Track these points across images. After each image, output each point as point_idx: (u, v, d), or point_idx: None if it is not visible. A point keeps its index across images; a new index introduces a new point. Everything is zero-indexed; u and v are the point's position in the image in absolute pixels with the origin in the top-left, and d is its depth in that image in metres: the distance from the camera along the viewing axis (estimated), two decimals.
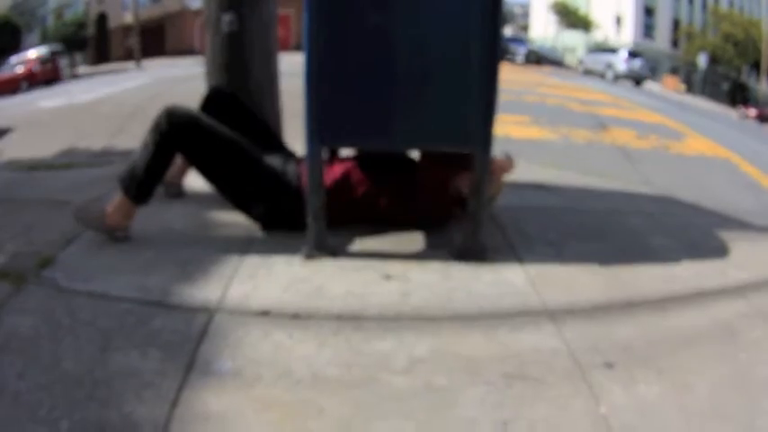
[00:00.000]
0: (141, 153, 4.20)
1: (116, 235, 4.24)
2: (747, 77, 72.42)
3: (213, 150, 4.30)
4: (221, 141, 4.28)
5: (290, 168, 4.45)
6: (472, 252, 4.17)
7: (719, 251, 5.11)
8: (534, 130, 11.87)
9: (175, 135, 4.17)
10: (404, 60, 3.76)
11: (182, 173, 5.09)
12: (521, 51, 57.03)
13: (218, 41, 5.07)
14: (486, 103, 3.80)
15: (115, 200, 4.24)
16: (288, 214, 4.31)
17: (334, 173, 4.39)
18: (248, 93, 5.21)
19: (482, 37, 3.70)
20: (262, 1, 5.13)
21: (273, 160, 4.50)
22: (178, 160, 4.67)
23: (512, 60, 52.85)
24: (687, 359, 3.31)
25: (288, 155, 4.72)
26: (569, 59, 67.24)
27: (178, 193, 5.12)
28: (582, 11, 77.50)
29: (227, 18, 4.97)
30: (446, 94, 3.82)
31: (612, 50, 58.24)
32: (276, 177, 4.36)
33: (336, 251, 4.13)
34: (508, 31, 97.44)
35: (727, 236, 5.50)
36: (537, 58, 57.73)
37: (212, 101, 4.91)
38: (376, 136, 3.96)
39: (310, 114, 3.76)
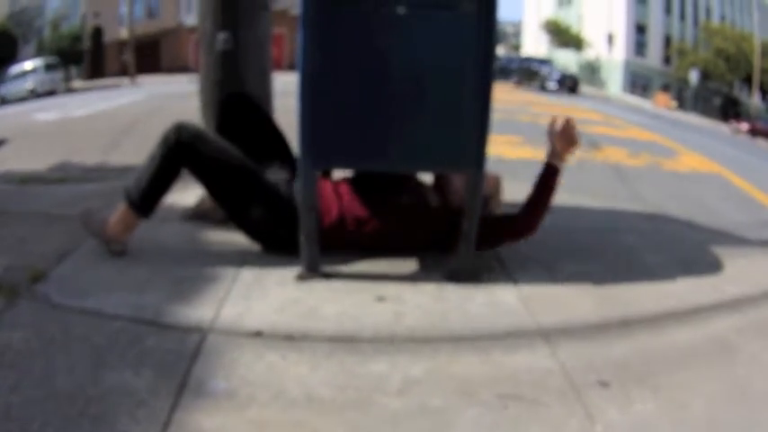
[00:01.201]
0: (148, 165, 4.21)
1: (112, 248, 4.24)
2: (739, 92, 72.73)
3: (218, 170, 4.28)
4: (227, 161, 4.26)
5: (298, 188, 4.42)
6: (465, 273, 4.18)
7: (714, 266, 5.13)
8: (527, 150, 11.94)
9: (182, 150, 4.16)
10: (397, 82, 3.77)
11: None
12: (554, 77, 51.67)
13: (213, 59, 5.07)
14: (480, 124, 3.82)
15: (118, 210, 4.26)
16: (293, 237, 4.26)
17: (340, 198, 4.38)
18: None
19: (476, 59, 3.72)
20: (256, 19, 5.13)
21: (280, 179, 4.48)
22: None
23: (544, 88, 48.08)
24: (683, 376, 3.31)
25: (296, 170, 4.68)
26: None
27: (221, 219, 4.99)
28: (574, 29, 77.78)
29: (221, 36, 4.97)
30: (440, 116, 3.84)
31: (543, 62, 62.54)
32: (281, 199, 4.33)
33: (329, 273, 4.13)
34: (501, 50, 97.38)
35: (721, 251, 5.52)
36: (573, 84, 51.76)
37: (231, 105, 4.92)
38: (370, 158, 3.96)
39: (304, 136, 3.77)
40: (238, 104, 4.92)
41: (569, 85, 50.72)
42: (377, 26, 3.69)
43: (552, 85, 49.26)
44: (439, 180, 4.76)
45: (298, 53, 3.66)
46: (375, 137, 3.86)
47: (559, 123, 4.35)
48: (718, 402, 3.09)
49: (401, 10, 3.63)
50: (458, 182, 4.55)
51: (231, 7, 4.99)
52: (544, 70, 51.84)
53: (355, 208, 4.34)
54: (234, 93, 5.00)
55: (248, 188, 4.30)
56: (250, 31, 5.10)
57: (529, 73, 53.27)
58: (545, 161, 4.41)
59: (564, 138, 4.35)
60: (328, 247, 4.24)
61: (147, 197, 4.23)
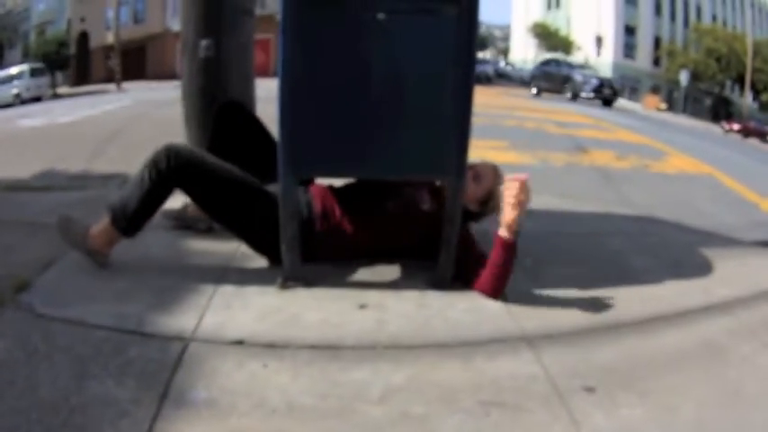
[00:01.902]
0: (135, 187, 4.12)
1: (95, 259, 4.20)
2: (731, 92, 72.93)
3: (213, 191, 4.22)
4: (221, 181, 4.19)
5: (301, 197, 4.39)
6: (448, 280, 4.17)
7: (703, 269, 5.12)
8: (512, 155, 11.95)
9: (174, 175, 4.08)
10: (378, 88, 3.75)
11: None
12: (591, 84, 39.79)
13: (195, 66, 5.07)
14: (460, 131, 3.81)
15: (102, 224, 4.18)
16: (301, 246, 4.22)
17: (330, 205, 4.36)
18: None
19: (457, 64, 3.70)
20: (239, 25, 5.14)
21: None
22: None
23: (575, 97, 39.30)
24: (672, 380, 3.31)
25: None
26: None
27: (209, 228, 4.99)
28: (563, 32, 77.95)
29: (204, 43, 4.97)
30: (420, 122, 3.83)
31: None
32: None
33: (311, 281, 4.11)
34: (486, 54, 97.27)
35: (710, 253, 5.53)
36: (611, 94, 40.48)
37: (225, 115, 4.85)
38: (350, 166, 3.95)
39: (283, 143, 3.75)
40: (232, 114, 4.86)
41: (607, 95, 40.12)
42: (357, 32, 3.68)
43: (587, 93, 39.40)
44: (433, 184, 4.67)
45: (278, 60, 3.64)
46: (355, 144, 3.84)
47: (509, 186, 3.99)
48: (709, 406, 3.09)
49: (382, 15, 3.61)
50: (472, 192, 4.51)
51: (213, 14, 5.00)
52: (577, 76, 41.01)
53: (344, 215, 4.33)
54: (228, 102, 4.95)
55: (246, 204, 4.24)
56: (233, 38, 5.11)
57: (555, 79, 43.12)
58: (496, 233, 4.08)
59: (511, 204, 3.97)
60: (317, 256, 4.26)
61: (133, 219, 4.16)
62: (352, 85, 3.74)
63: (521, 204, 3.89)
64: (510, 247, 4.01)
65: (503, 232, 3.98)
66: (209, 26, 5.01)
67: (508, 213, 3.91)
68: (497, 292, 4.12)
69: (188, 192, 4.27)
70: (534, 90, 44.85)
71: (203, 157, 4.24)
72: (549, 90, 43.63)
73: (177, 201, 4.61)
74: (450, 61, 3.70)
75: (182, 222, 4.97)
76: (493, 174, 4.64)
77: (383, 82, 3.74)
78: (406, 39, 3.70)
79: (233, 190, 4.21)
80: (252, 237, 4.35)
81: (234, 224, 4.30)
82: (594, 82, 40.41)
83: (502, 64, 76.43)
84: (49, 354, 3.11)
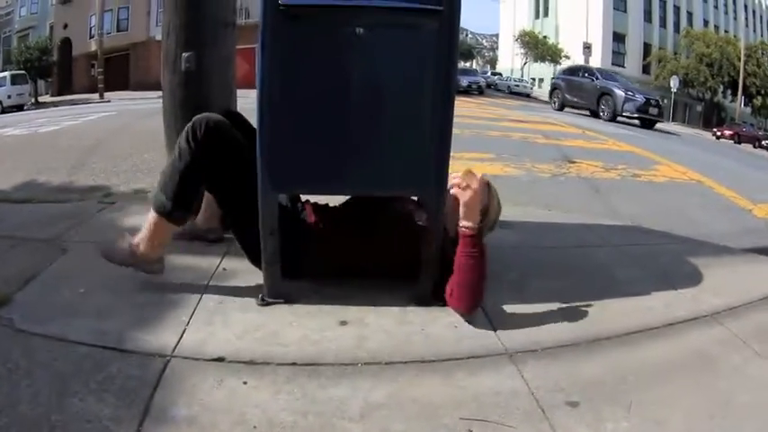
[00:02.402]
0: (173, 162, 4.07)
1: (149, 269, 4.19)
2: (723, 97, 73.25)
3: (237, 170, 4.10)
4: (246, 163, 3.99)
5: (297, 207, 4.41)
6: (430, 295, 4.16)
7: (692, 278, 5.12)
8: (498, 167, 11.87)
9: (212, 139, 4.01)
10: (358, 104, 3.74)
11: (214, 216, 4.86)
12: (636, 99, 31.81)
13: (177, 79, 5.08)
14: (440, 145, 3.81)
15: (145, 228, 4.14)
16: (296, 259, 4.22)
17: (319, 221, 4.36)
18: None
19: (436, 78, 3.70)
20: (220, 37, 5.15)
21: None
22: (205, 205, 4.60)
23: (615, 118, 31.72)
24: (660, 392, 3.30)
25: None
26: (537, 91, 67.85)
27: (219, 238, 5.01)
28: (551, 40, 78.19)
29: (185, 56, 4.97)
30: (399, 137, 3.83)
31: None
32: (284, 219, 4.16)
33: (292, 297, 4.11)
34: (471, 65, 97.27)
35: (700, 261, 5.53)
36: (657, 113, 32.77)
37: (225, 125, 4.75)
38: (330, 181, 3.93)
39: (263, 158, 3.74)
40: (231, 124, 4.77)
41: (653, 114, 32.68)
42: (337, 46, 3.67)
43: (630, 112, 31.62)
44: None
45: (257, 75, 3.63)
46: (335, 159, 3.83)
47: (458, 181, 3.89)
48: (698, 417, 3.09)
49: (361, 30, 3.61)
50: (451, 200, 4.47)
51: (194, 27, 5.01)
52: (618, 90, 32.10)
53: (339, 232, 4.32)
54: (226, 111, 4.82)
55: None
56: (214, 51, 5.13)
57: (586, 93, 34.75)
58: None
59: (466, 198, 3.88)
60: (311, 273, 4.29)
61: (180, 199, 4.05)
62: (332, 99, 3.74)
63: (471, 196, 3.84)
64: (470, 242, 3.92)
65: (461, 223, 3.93)
66: (190, 39, 5.02)
67: (463, 207, 3.87)
68: (467, 304, 4.01)
69: (209, 175, 4.14)
70: (555, 104, 38.51)
71: (233, 131, 4.17)
72: (576, 106, 36.61)
73: None
74: (430, 74, 3.70)
75: (191, 234, 4.92)
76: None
77: (363, 96, 3.74)
78: (386, 52, 3.71)
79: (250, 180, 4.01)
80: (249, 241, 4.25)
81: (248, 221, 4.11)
82: (640, 99, 32.27)
83: (489, 73, 76.34)
84: (30, 370, 3.11)
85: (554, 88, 40.33)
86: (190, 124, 4.06)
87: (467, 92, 53.15)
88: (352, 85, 3.72)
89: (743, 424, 3.06)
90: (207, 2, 5.04)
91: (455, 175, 3.88)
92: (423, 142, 3.80)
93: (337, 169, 3.86)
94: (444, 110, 3.77)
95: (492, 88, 64.76)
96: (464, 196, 3.84)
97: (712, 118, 69.75)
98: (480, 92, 57.69)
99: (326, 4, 3.60)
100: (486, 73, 78.94)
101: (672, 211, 9.65)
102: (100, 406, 2.86)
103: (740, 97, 69.00)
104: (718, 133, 49.86)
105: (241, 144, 4.14)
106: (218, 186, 4.26)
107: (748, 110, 73.33)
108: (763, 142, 47.20)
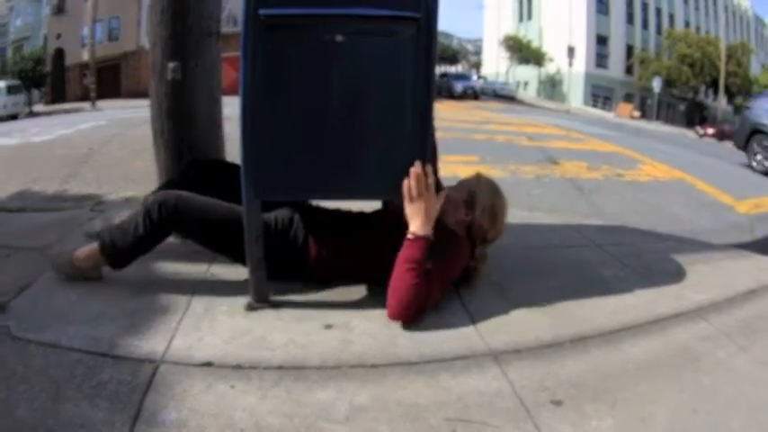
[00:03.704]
0: (129, 228, 4.20)
1: (87, 275, 4.32)
2: (705, 96, 73.27)
3: (209, 229, 4.27)
4: (215, 219, 4.23)
5: (295, 221, 4.43)
6: None
7: (676, 275, 5.15)
8: (482, 170, 11.75)
9: (166, 225, 4.17)
10: (338, 111, 3.76)
11: None
12: None
13: (163, 88, 5.11)
14: (420, 150, 3.82)
15: (89, 249, 4.30)
16: (294, 265, 4.34)
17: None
18: (193, 140, 5.29)
19: (415, 84, 3.72)
20: (206, 47, 5.17)
21: (280, 214, 4.44)
22: None
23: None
24: (643, 389, 3.33)
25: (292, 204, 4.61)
26: (521, 94, 67.82)
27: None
28: (535, 44, 78.00)
29: (171, 66, 5.01)
30: (381, 144, 3.83)
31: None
32: (274, 235, 4.28)
33: (279, 301, 4.15)
34: (456, 69, 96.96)
35: (683, 259, 5.55)
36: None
37: (191, 170, 4.88)
38: (312, 188, 3.95)
39: (245, 165, 3.77)
40: (198, 174, 4.84)
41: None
42: (317, 54, 3.69)
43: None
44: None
45: (239, 82, 3.65)
46: (317, 166, 3.84)
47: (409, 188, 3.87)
48: (683, 413, 3.12)
49: (340, 38, 3.63)
50: (455, 197, 4.53)
51: (180, 36, 5.03)
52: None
53: (336, 237, 4.38)
54: (188, 164, 4.98)
55: (240, 236, 4.15)
56: (199, 60, 5.14)
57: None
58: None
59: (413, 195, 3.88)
60: (294, 276, 4.34)
61: (123, 257, 4.27)
62: (313, 107, 3.75)
63: (420, 196, 3.84)
64: (409, 247, 3.94)
65: (412, 225, 3.95)
66: (176, 49, 5.05)
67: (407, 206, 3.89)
68: (391, 310, 3.96)
69: (184, 235, 4.39)
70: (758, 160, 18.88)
71: (193, 200, 4.25)
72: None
73: None
74: (408, 81, 3.72)
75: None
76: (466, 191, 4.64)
77: (343, 103, 3.75)
78: (365, 60, 3.73)
79: (225, 227, 4.22)
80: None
81: (238, 256, 4.25)
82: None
83: (474, 77, 76.04)
84: (26, 376, 3.15)
85: (755, 131, 19.57)
86: (147, 204, 4.21)
87: (462, 98, 53.44)
88: (332, 92, 3.73)
89: (727, 418, 3.09)
90: (191, 13, 5.08)
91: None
92: (402, 148, 3.81)
93: (319, 176, 3.86)
94: (423, 116, 3.78)
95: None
96: (414, 204, 3.87)
97: (695, 117, 69.73)
98: (476, 97, 57.29)
99: (305, 14, 3.61)
100: (472, 77, 78.77)
101: (655, 210, 9.69)
102: (93, 411, 2.91)
103: (721, 96, 69.04)
104: (702, 132, 49.78)
105: (207, 205, 4.25)
106: (198, 239, 4.43)
107: (730, 108, 73.35)
108: None
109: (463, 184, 4.72)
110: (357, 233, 4.41)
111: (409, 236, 3.93)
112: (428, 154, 3.86)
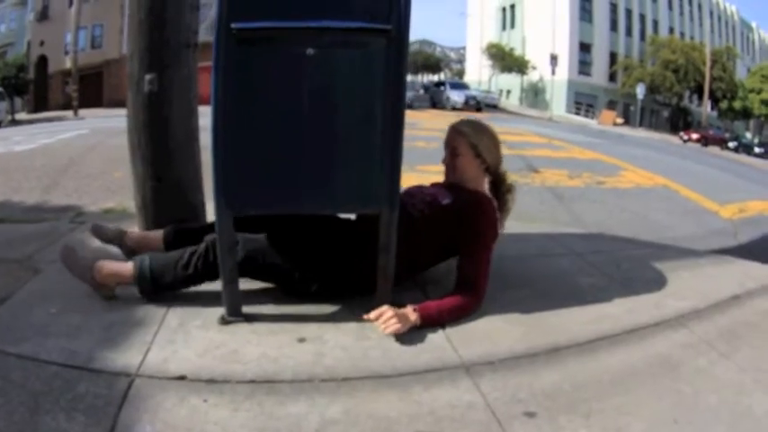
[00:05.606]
0: (178, 266, 4.22)
1: (101, 293, 4.30)
2: (689, 102, 73.53)
3: (282, 264, 4.31)
4: (281, 256, 4.29)
5: (347, 227, 4.54)
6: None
7: (655, 283, 5.14)
8: None
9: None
10: (310, 123, 3.77)
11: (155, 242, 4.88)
12: None
13: (140, 100, 5.12)
14: (391, 162, 3.83)
15: (119, 268, 4.28)
16: (357, 278, 4.35)
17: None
18: (168, 152, 5.29)
19: (385, 96, 3.75)
20: (183, 59, 5.17)
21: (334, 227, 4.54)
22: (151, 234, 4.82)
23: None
24: (620, 400, 3.33)
25: (341, 220, 4.70)
26: (504, 102, 67.76)
27: None
28: (518, 52, 78.04)
29: (148, 77, 5.03)
30: (353, 156, 3.85)
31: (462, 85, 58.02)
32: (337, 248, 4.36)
33: (253, 315, 4.15)
34: (439, 77, 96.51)
35: (665, 266, 5.56)
36: None
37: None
38: (284, 201, 3.95)
39: (217, 177, 3.77)
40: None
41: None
42: (287, 66, 3.70)
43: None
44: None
45: (211, 96, 3.66)
46: (288, 179, 3.86)
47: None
48: (662, 423, 3.14)
49: (311, 50, 3.65)
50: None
51: (157, 48, 5.05)
52: None
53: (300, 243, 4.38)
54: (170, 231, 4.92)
55: (314, 255, 4.32)
56: (176, 72, 5.14)
57: None
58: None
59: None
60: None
61: (160, 289, 4.28)
62: (284, 119, 3.77)
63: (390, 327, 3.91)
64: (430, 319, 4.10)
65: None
66: (153, 61, 5.05)
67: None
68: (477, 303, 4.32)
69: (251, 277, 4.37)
70: None
71: (248, 244, 4.25)
72: None
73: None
74: (379, 92, 3.75)
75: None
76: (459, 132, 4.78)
77: (315, 116, 3.77)
78: (337, 72, 3.76)
79: (292, 256, 4.30)
80: (340, 275, 4.38)
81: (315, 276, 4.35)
82: None
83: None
84: (5, 389, 3.17)
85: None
86: (204, 244, 4.24)
87: (463, 110, 47.40)
88: (304, 104, 3.75)
89: (709, 427, 3.11)
90: (168, 25, 5.09)
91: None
92: (374, 160, 3.83)
93: (291, 188, 3.88)
94: (394, 127, 3.79)
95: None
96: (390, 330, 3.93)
97: (679, 122, 70.03)
98: (479, 109, 53.33)
99: (276, 27, 3.63)
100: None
101: (637, 217, 9.70)
102: (70, 424, 2.92)
103: (706, 101, 69.26)
104: (686, 137, 50.08)
105: (258, 252, 4.27)
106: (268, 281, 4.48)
107: (715, 113, 73.61)
108: (729, 144, 47.48)
109: (453, 139, 4.83)
110: (327, 238, 4.45)
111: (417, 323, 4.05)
112: (400, 163, 3.85)
